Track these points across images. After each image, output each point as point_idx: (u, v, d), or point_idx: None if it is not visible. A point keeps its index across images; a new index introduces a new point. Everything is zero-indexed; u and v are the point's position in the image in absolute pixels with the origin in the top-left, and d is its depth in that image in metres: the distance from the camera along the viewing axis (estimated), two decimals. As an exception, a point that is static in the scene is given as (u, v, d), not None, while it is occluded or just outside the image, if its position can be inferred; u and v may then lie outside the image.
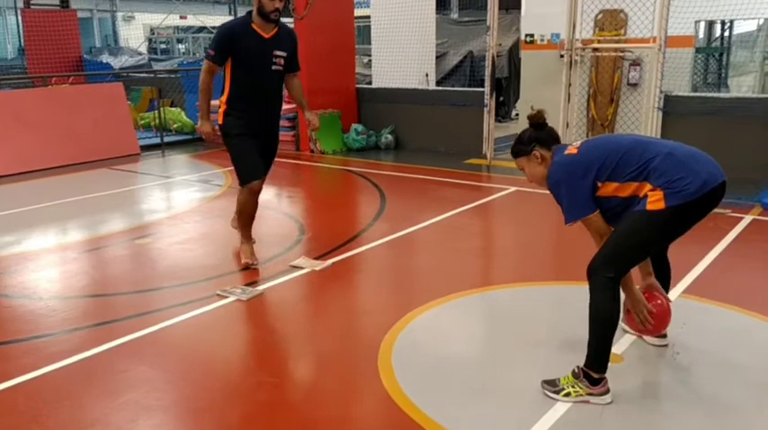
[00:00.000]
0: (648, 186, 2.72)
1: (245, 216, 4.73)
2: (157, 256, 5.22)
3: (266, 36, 4.43)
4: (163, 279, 4.65)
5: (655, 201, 2.69)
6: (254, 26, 4.41)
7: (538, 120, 3.05)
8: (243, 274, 4.59)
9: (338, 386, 3.16)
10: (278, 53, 4.48)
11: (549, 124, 3.09)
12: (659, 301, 3.14)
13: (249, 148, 4.57)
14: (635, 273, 3.00)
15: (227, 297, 4.14)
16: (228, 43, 4.38)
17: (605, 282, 2.79)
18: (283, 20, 4.54)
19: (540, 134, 3.03)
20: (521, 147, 3.07)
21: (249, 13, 4.47)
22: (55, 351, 3.46)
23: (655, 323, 3.08)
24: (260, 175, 4.62)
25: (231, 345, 3.64)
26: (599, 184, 2.82)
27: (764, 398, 2.94)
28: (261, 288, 4.28)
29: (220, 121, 4.58)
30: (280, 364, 3.45)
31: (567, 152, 2.94)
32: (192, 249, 5.29)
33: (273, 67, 4.50)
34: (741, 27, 16.51)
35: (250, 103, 4.52)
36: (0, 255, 5.18)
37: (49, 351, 3.47)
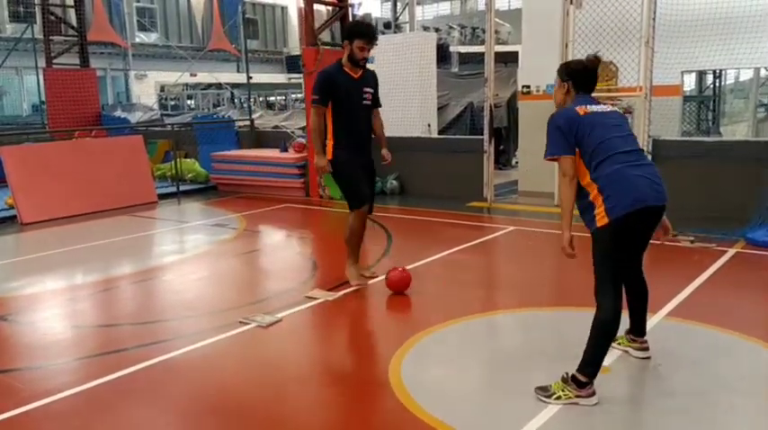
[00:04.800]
0: (595, 188, 3.19)
1: (357, 238, 5.37)
2: (183, 290, 5.64)
3: (356, 76, 5.18)
4: (189, 309, 5.04)
5: (600, 218, 3.18)
6: (346, 69, 5.18)
7: (589, 65, 3.43)
8: (262, 304, 4.98)
9: (354, 394, 3.54)
10: (367, 89, 5.23)
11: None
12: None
13: (359, 178, 5.26)
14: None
15: (248, 324, 4.52)
16: (330, 86, 5.11)
17: (604, 296, 3.23)
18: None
19: (581, 75, 3.42)
20: (563, 70, 3.50)
21: (339, 60, 5.26)
22: (104, 365, 3.87)
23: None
24: (368, 201, 5.32)
25: (254, 366, 4.02)
26: (576, 150, 3.25)
27: (736, 400, 3.29)
28: (280, 315, 4.67)
29: (330, 156, 5.20)
30: (301, 378, 3.81)
31: (577, 108, 3.32)
32: (214, 284, 5.70)
33: (364, 102, 5.23)
34: (739, 76, 17.05)
35: (351, 135, 5.20)
36: (42, 289, 5.63)
37: (104, 363, 3.89)
